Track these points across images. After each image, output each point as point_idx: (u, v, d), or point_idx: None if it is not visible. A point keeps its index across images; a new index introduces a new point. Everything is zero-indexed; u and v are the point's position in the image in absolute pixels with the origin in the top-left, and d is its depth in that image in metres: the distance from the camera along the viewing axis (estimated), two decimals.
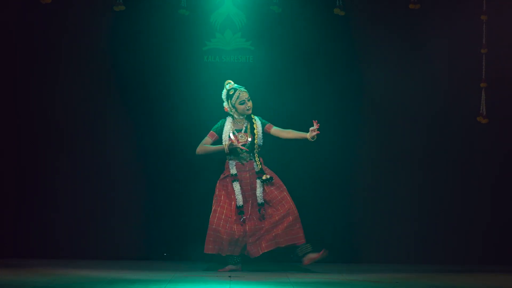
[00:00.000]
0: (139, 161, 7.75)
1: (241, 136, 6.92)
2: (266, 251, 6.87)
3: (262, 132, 7.01)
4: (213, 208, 6.90)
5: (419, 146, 7.82)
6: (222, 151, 6.95)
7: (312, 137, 6.89)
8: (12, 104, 7.69)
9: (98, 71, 7.74)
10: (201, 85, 7.73)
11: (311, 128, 6.87)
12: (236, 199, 6.89)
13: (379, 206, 7.79)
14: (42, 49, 7.70)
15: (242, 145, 6.89)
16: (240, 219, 6.86)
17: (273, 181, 6.93)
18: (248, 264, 7.10)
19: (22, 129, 7.69)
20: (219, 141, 6.99)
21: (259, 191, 6.91)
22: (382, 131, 7.81)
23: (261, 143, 7.00)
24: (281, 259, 7.44)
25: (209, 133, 7.02)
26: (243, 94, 6.95)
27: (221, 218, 6.84)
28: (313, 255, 6.92)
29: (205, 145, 6.99)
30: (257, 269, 7.03)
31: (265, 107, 7.37)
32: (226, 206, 6.89)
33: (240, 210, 6.88)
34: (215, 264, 7.20)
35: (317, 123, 6.85)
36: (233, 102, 6.96)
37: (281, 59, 7.78)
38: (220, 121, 7.03)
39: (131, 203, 7.74)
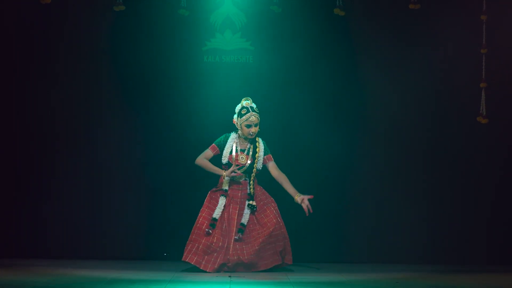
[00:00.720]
0: (139, 161, 7.75)
1: (241, 158, 6.90)
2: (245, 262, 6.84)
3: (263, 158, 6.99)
4: (198, 221, 6.87)
5: (419, 146, 7.81)
6: (218, 175, 6.91)
7: (297, 201, 6.87)
8: (11, 105, 7.68)
9: (98, 71, 7.74)
10: (201, 85, 7.73)
11: (304, 199, 6.83)
12: (215, 211, 6.85)
13: (380, 207, 7.79)
14: (42, 49, 7.70)
15: (239, 167, 6.84)
16: (209, 230, 6.78)
17: (256, 209, 6.87)
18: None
19: (24, 129, 7.68)
20: (219, 155, 6.95)
21: (246, 212, 6.87)
22: (381, 131, 7.80)
23: (260, 168, 6.96)
24: None
25: (211, 146, 6.97)
26: (253, 118, 6.86)
27: (201, 229, 6.81)
28: None
29: (205, 159, 6.93)
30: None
31: (264, 107, 7.37)
32: (209, 217, 6.88)
33: (213, 222, 6.82)
34: None
35: (309, 209, 6.85)
36: (241, 122, 6.90)
37: (281, 59, 7.77)
38: (224, 136, 6.98)
39: (131, 203, 7.74)
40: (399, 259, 7.71)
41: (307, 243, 7.70)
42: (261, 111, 7.07)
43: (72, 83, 7.71)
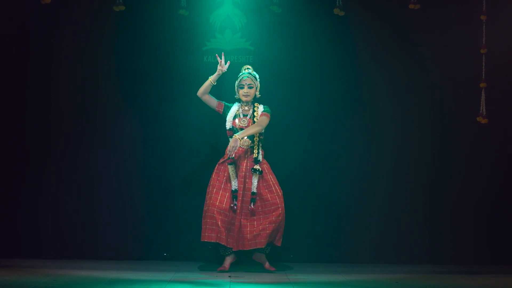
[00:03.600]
0: (139, 161, 7.75)
1: (243, 121, 7.01)
2: (246, 249, 6.89)
3: None
4: (208, 195, 6.93)
5: (419, 146, 7.81)
6: (210, 86, 7.04)
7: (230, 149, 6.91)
8: (8, 105, 7.68)
9: (98, 72, 7.73)
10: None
11: (234, 141, 6.87)
12: (231, 183, 6.91)
13: (380, 207, 7.78)
14: (42, 50, 7.69)
15: (240, 128, 6.98)
16: (232, 204, 6.85)
17: (262, 175, 6.94)
18: (248, 264, 7.10)
19: (27, 129, 7.68)
20: (220, 116, 7.07)
21: (254, 180, 6.93)
22: (381, 131, 7.80)
23: (262, 131, 7.01)
24: (281, 259, 7.44)
25: (219, 101, 7.09)
26: (245, 80, 7.06)
27: (215, 205, 6.85)
28: (263, 260, 7.04)
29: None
30: (257, 270, 7.03)
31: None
32: (221, 192, 6.90)
33: (234, 194, 6.89)
34: (214, 264, 7.20)
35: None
36: (236, 85, 7.08)
37: (280, 59, 7.77)
38: (232, 104, 7.11)
39: (130, 203, 7.74)
40: (399, 259, 7.71)
41: (307, 243, 7.70)
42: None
43: (71, 83, 7.71)
